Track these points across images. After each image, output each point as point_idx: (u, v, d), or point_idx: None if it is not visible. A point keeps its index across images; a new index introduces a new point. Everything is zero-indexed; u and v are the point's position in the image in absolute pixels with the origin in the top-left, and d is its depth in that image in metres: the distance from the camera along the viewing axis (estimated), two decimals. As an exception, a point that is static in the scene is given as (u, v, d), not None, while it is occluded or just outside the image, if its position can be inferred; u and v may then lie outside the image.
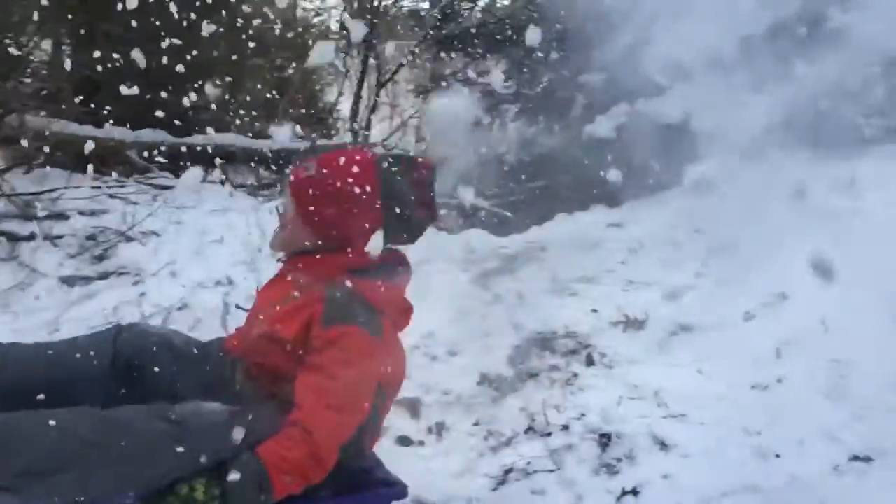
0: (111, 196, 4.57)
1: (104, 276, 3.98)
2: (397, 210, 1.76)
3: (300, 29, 6.98)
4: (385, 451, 2.95)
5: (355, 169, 1.73)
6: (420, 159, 1.87)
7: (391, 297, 1.82)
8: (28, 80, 5.42)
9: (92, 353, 1.82)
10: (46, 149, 4.38)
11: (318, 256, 1.80)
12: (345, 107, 7.12)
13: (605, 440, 2.80)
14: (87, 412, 1.55)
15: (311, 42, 6.83)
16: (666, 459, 2.68)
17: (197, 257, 4.02)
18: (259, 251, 3.97)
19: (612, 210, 4.49)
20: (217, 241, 4.18)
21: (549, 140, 5.96)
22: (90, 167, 4.65)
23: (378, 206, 1.75)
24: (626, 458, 2.71)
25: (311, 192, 1.75)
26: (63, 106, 4.99)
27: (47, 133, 4.60)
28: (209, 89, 6.09)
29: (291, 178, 1.81)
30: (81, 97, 4.78)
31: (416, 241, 1.92)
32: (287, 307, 1.77)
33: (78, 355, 1.80)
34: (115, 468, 1.48)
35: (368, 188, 1.73)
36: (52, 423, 1.47)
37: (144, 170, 4.96)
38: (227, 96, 6.23)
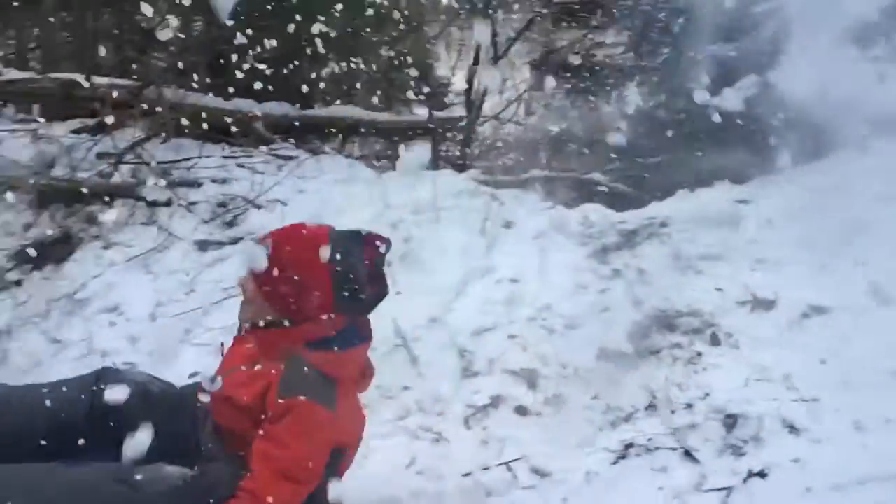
0: (240, 165, 4.77)
1: (234, 241, 4.18)
2: (347, 286, 1.82)
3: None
4: (502, 419, 3.01)
5: (307, 249, 1.80)
6: (372, 235, 1.92)
7: (347, 367, 1.89)
8: (164, 55, 5.72)
9: (71, 399, 1.92)
10: (183, 120, 4.60)
11: (276, 330, 1.87)
12: (459, 80, 7.14)
13: (730, 421, 2.72)
14: (55, 472, 1.67)
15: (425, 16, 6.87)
16: (796, 443, 2.58)
17: (320, 225, 4.15)
18: (380, 217, 4.07)
19: (738, 186, 4.30)
20: (339, 210, 4.30)
21: (671, 114, 5.77)
22: (220, 138, 4.92)
23: (329, 283, 1.81)
24: (752, 440, 2.63)
25: (265, 271, 1.83)
26: (196, 79, 5.25)
27: (182, 105, 4.86)
28: (330, 63, 6.26)
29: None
30: (213, 71, 5.00)
31: (368, 313, 1.97)
32: (246, 373, 1.90)
33: (57, 402, 1.90)
34: None
35: (320, 266, 1.79)
36: (21, 481, 1.59)
37: (270, 141, 5.15)
38: (347, 70, 6.37)
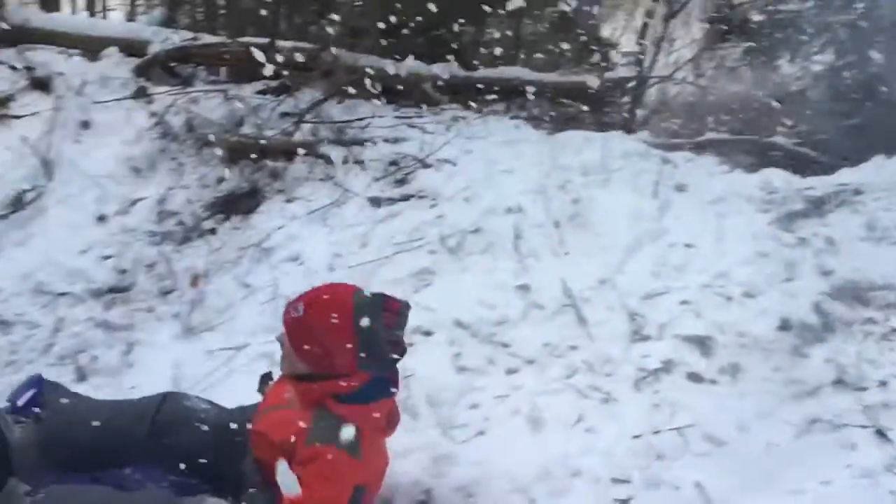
0: (410, 126, 4.90)
1: (405, 198, 4.31)
2: (369, 349, 2.00)
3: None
4: (674, 384, 2.93)
5: (334, 314, 2.00)
6: (391, 300, 2.07)
7: (370, 417, 2.06)
8: (340, 20, 5.93)
9: (134, 419, 2.18)
10: (366, 82, 4.77)
11: (307, 383, 2.06)
12: (628, 40, 6.92)
13: (932, 402, 2.52)
14: (115, 497, 2.00)
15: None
16: None
17: (488, 185, 4.19)
18: (548, 177, 4.05)
19: (942, 153, 3.93)
20: (506, 170, 4.32)
21: (862, 74, 5.31)
22: (392, 99, 5.06)
23: (353, 347, 1.99)
24: (956, 424, 2.42)
25: (297, 332, 2.06)
26: (370, 43, 5.42)
27: (357, 67, 5.03)
28: (496, 25, 6.25)
29: (284, 316, 2.12)
30: (386, 34, 5.13)
31: (388, 370, 2.10)
32: (280, 414, 2.11)
33: (123, 421, 2.17)
34: None
35: (345, 330, 1.99)
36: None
37: (438, 102, 5.24)
38: (514, 31, 6.35)
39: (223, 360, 3.42)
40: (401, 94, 5.12)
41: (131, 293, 4.04)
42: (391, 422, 2.22)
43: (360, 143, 4.70)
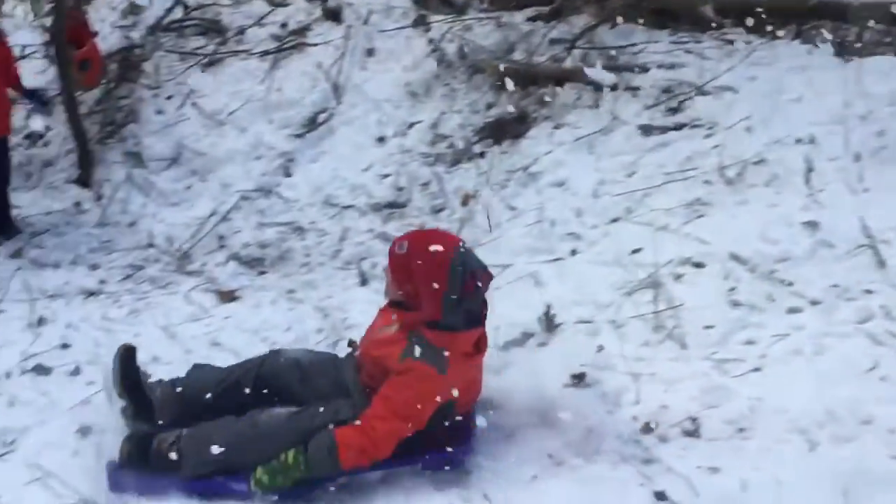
0: (687, 51, 4.63)
1: (678, 127, 4.11)
2: (451, 303, 2.32)
3: None
4: None
5: (434, 261, 2.31)
6: (481, 272, 2.39)
7: (455, 343, 2.35)
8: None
9: (242, 376, 2.60)
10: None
11: (405, 311, 2.42)
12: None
13: None
14: (244, 421, 2.42)
15: None
16: None
17: (774, 114, 3.86)
18: (848, 107, 3.63)
19: None
20: (795, 99, 3.94)
21: None
22: (667, 24, 4.80)
23: (436, 285, 2.30)
24: None
25: (399, 268, 2.40)
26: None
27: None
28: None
29: (390, 250, 2.47)
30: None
31: (461, 330, 2.37)
32: (383, 336, 2.47)
33: (233, 379, 2.60)
34: (254, 453, 2.32)
35: (438, 279, 2.30)
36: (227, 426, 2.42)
37: (719, 26, 4.87)
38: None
39: (489, 276, 3.54)
40: (677, 18, 4.84)
41: (406, 209, 4.33)
42: (480, 346, 2.49)
43: (632, 69, 4.53)
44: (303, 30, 5.54)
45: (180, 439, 2.42)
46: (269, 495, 2.30)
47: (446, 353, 2.30)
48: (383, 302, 3.58)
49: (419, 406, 2.28)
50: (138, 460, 2.42)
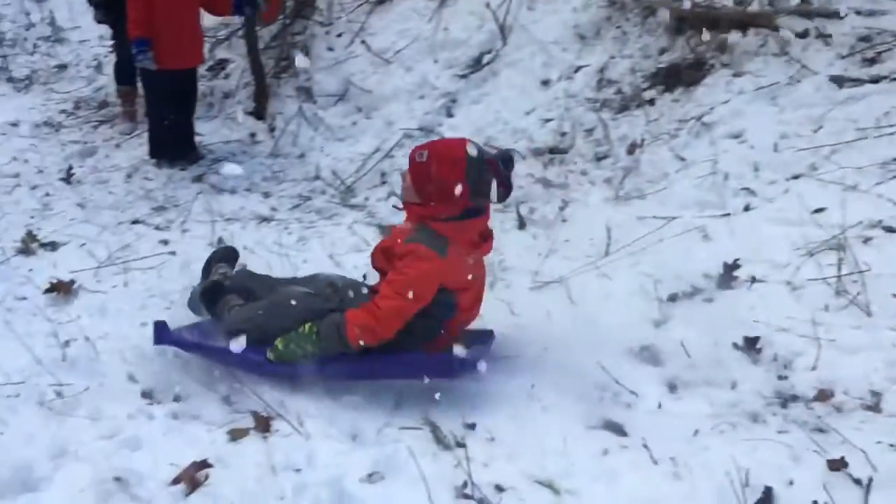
0: (891, -3, 4.18)
1: (875, 79, 3.74)
2: (479, 187, 2.50)
3: None
4: None
5: (449, 165, 2.50)
6: (498, 152, 2.64)
7: (460, 232, 2.55)
8: None
9: (286, 282, 2.88)
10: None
11: (417, 206, 2.60)
12: None
13: None
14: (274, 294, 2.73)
15: None
16: None
17: None
18: None
19: None
20: None
21: None
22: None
23: (460, 187, 2.46)
24: None
25: (418, 173, 2.57)
26: None
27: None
28: None
29: (410, 157, 2.62)
30: None
31: (500, 202, 2.66)
32: (396, 229, 2.76)
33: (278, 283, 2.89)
34: (276, 319, 2.60)
35: (455, 177, 2.47)
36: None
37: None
38: None
39: (653, 227, 3.42)
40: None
41: (568, 155, 4.25)
42: (485, 235, 2.68)
43: (827, 15, 4.16)
44: (473, -31, 5.49)
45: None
46: (283, 365, 2.50)
47: (449, 240, 2.51)
48: (542, 246, 3.60)
49: (420, 284, 2.47)
50: (207, 302, 2.82)
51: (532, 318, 3.08)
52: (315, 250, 3.85)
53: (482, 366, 2.45)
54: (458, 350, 2.48)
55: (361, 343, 2.46)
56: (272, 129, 5.37)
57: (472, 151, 2.50)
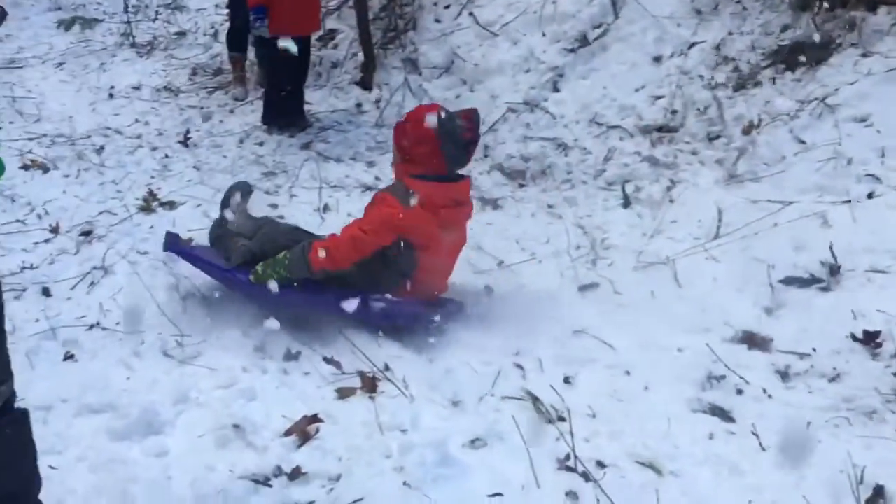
0: None
1: None
2: (450, 146, 2.76)
3: None
4: None
5: (421, 124, 2.75)
6: (464, 113, 2.84)
7: (431, 191, 2.75)
8: None
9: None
10: None
11: (398, 165, 2.92)
12: None
13: None
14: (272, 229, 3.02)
15: None
16: None
17: None
18: None
19: None
20: None
21: None
22: None
23: (433, 145, 2.75)
24: None
25: (398, 132, 2.91)
26: None
27: None
28: None
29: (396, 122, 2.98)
30: None
31: (462, 165, 2.87)
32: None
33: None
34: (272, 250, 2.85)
35: (428, 136, 2.74)
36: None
37: None
38: None
39: (767, 212, 3.30)
40: None
41: (678, 134, 4.13)
42: (458, 201, 2.88)
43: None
44: (585, -60, 5.37)
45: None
46: (263, 286, 2.73)
47: (416, 195, 2.71)
48: (647, 225, 3.55)
49: (377, 223, 2.73)
50: (215, 239, 3.07)
51: (635, 298, 3.05)
52: (417, 220, 3.90)
53: (436, 318, 2.72)
54: (419, 304, 2.79)
55: (321, 264, 2.70)
56: (378, 100, 5.45)
57: (443, 113, 2.78)
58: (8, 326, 1.42)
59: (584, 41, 4.87)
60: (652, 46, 4.61)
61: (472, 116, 2.81)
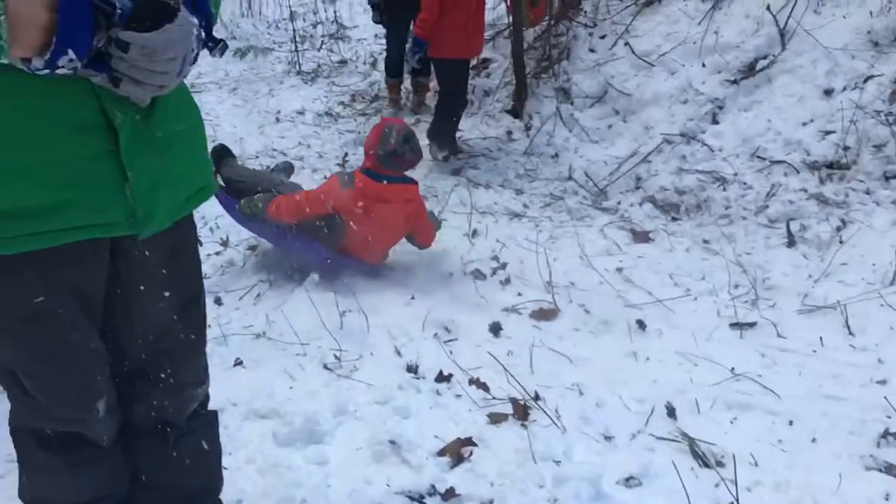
0: None
1: None
2: (381, 152, 3.36)
3: None
4: None
5: (375, 130, 3.46)
6: (409, 150, 3.39)
7: (370, 186, 3.37)
8: None
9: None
10: None
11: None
12: None
13: None
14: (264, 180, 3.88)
15: None
16: None
17: None
18: None
19: None
20: None
21: None
22: None
23: (374, 149, 3.38)
24: None
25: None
26: None
27: None
28: None
29: None
30: None
31: (397, 169, 3.42)
32: None
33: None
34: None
35: (372, 141, 3.40)
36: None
37: None
38: None
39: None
40: None
41: (850, 171, 3.90)
42: (382, 199, 3.36)
43: None
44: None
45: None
46: (246, 218, 3.57)
47: (354, 182, 3.37)
48: (813, 267, 3.37)
49: (315, 196, 3.38)
50: (226, 185, 3.83)
51: (800, 343, 2.89)
52: (565, 249, 3.88)
53: (328, 260, 3.42)
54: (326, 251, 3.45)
55: (272, 214, 3.41)
56: (528, 128, 5.50)
57: (393, 128, 3.37)
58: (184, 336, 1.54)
59: (747, 72, 4.71)
60: (822, 79, 4.39)
61: (402, 132, 3.39)
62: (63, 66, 1.06)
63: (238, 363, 2.74)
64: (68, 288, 1.28)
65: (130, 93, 1.16)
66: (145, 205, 1.27)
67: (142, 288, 1.38)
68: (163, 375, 1.48)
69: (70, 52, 1.05)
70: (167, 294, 1.42)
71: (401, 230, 3.59)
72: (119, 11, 1.09)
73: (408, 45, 5.20)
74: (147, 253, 1.35)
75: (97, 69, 1.12)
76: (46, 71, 1.06)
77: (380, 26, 6.31)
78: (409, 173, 3.51)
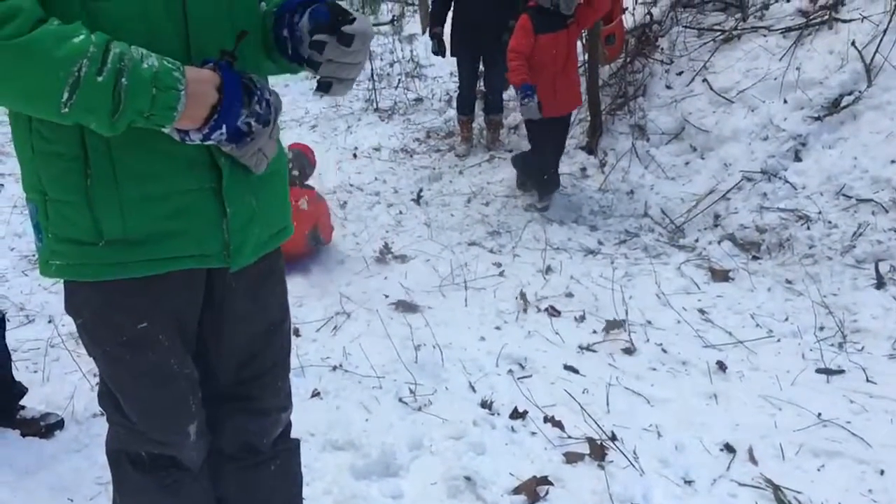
0: None
1: None
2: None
3: None
4: None
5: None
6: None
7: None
8: None
9: None
10: None
11: None
12: None
13: None
14: None
15: None
16: None
17: None
18: None
19: None
20: None
21: None
22: None
23: None
24: None
25: None
26: None
27: None
28: None
29: None
30: None
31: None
32: None
33: None
34: None
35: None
36: None
37: None
38: None
39: None
40: None
41: (944, 211, 3.73)
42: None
43: None
44: (835, 4, 5.09)
45: None
46: None
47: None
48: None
49: None
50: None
51: (891, 389, 2.76)
52: (641, 287, 3.83)
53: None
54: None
55: None
56: (602, 165, 5.47)
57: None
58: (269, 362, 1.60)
59: (831, 109, 4.59)
60: (913, 115, 4.24)
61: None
62: (213, 140, 1.22)
63: (315, 394, 2.79)
64: (169, 315, 1.36)
65: (336, 91, 1.32)
66: (238, 240, 1.35)
67: (231, 315, 1.45)
68: (249, 400, 1.54)
69: (224, 127, 1.21)
70: (254, 321, 1.49)
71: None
72: (257, 93, 1.26)
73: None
74: (236, 283, 1.42)
75: (232, 140, 1.26)
76: (198, 142, 1.21)
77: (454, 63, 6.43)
78: None
